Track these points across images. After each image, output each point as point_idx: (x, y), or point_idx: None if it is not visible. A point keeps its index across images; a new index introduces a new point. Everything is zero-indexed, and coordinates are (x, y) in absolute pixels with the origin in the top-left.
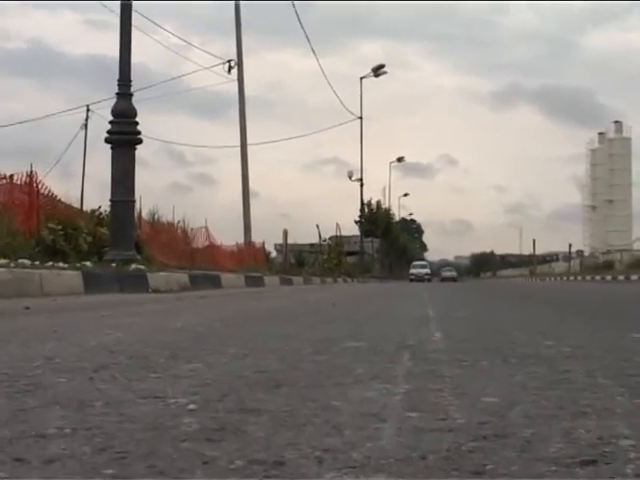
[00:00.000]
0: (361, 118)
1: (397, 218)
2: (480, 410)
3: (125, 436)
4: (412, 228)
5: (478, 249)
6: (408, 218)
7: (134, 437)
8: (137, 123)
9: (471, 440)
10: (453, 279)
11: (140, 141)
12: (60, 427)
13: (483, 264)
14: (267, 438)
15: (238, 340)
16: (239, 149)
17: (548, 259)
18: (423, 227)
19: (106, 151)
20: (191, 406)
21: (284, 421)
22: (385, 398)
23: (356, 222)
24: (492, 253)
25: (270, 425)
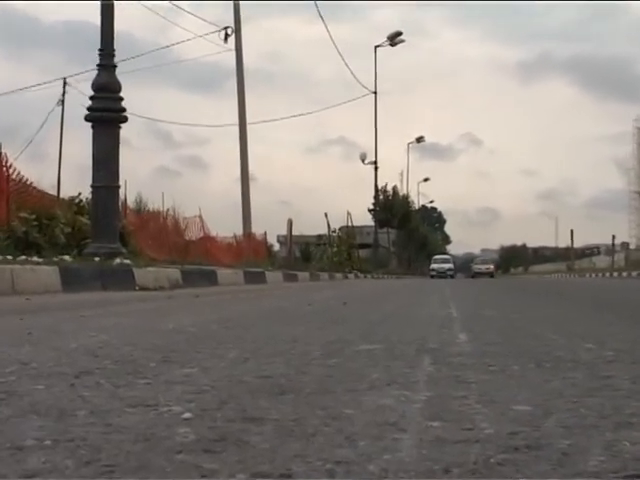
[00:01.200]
0: (375, 93)
1: (416, 206)
2: (511, 419)
3: (113, 448)
4: (433, 217)
5: (508, 241)
6: (429, 206)
7: (123, 449)
8: (121, 99)
9: (501, 452)
10: (489, 274)
11: (125, 119)
12: (39, 438)
13: (513, 258)
14: (272, 449)
15: (238, 342)
16: (236, 128)
17: (588, 252)
18: (445, 216)
19: (86, 130)
20: (186, 415)
21: (291, 431)
22: (404, 406)
23: (370, 211)
24: (524, 246)
25: (275, 435)
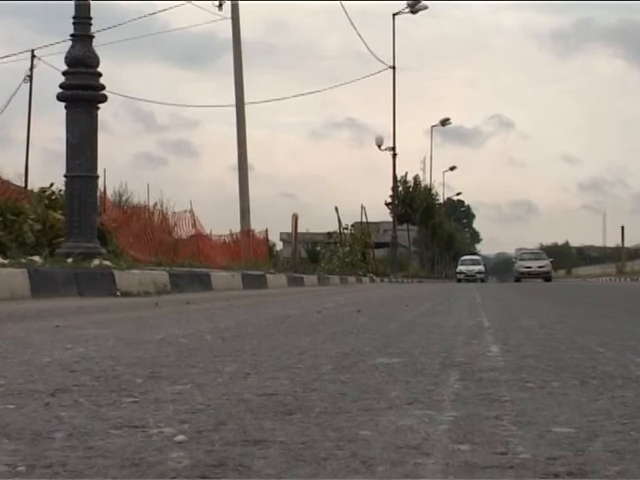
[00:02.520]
0: (394, 68)
1: (441, 199)
2: (550, 442)
3: (96, 474)
4: (460, 212)
5: (547, 240)
6: (455, 199)
7: (108, 475)
8: (99, 74)
9: (539, 479)
10: (544, 275)
11: (104, 98)
12: (12, 464)
13: (555, 260)
14: (278, 475)
15: (237, 356)
16: (231, 109)
17: None
18: (473, 210)
19: (59, 111)
20: (179, 437)
21: (299, 455)
22: (427, 427)
23: (387, 205)
24: (566, 245)
25: (281, 459)
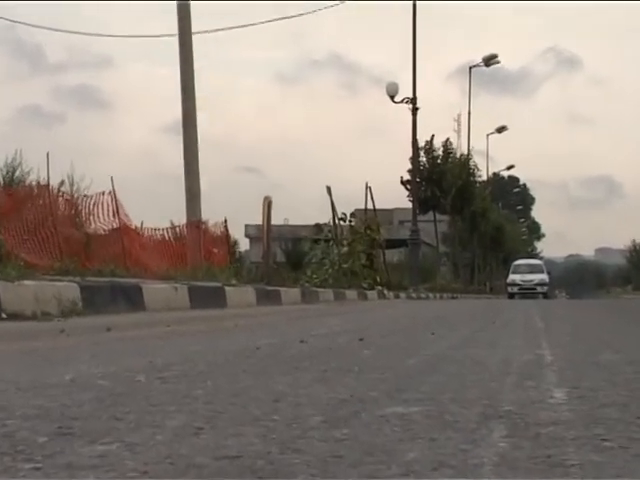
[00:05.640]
0: None
1: (484, 175)
2: None
3: None
4: (512, 194)
5: None
6: (504, 175)
7: None
8: None
9: None
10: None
11: None
12: None
13: None
14: None
15: (184, 404)
16: (170, 41)
17: None
18: (531, 192)
19: None
20: None
21: None
22: None
23: (404, 183)
24: None
25: None
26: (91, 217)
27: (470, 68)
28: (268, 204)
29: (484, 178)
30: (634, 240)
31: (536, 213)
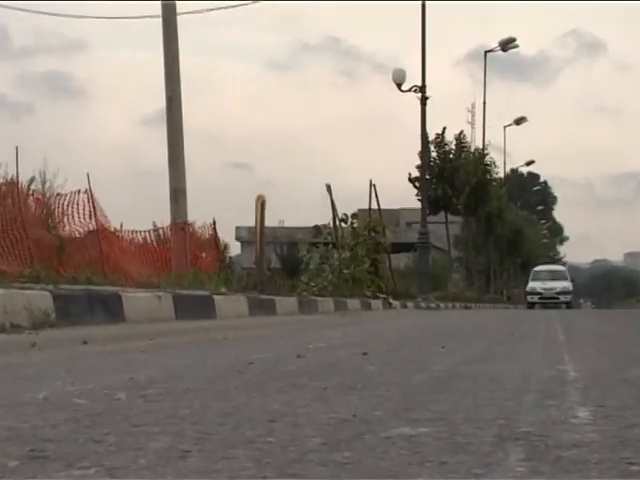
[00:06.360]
0: None
1: (500, 172)
2: None
3: None
4: (532, 193)
5: None
6: (524, 171)
7: None
8: None
9: None
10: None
11: None
12: None
13: None
14: None
15: (169, 424)
16: (153, 23)
17: None
18: (552, 191)
19: None
20: None
21: None
22: None
23: (412, 181)
24: None
25: None
26: (65, 218)
27: (485, 53)
28: (261, 204)
29: (501, 175)
30: None
31: (558, 214)
